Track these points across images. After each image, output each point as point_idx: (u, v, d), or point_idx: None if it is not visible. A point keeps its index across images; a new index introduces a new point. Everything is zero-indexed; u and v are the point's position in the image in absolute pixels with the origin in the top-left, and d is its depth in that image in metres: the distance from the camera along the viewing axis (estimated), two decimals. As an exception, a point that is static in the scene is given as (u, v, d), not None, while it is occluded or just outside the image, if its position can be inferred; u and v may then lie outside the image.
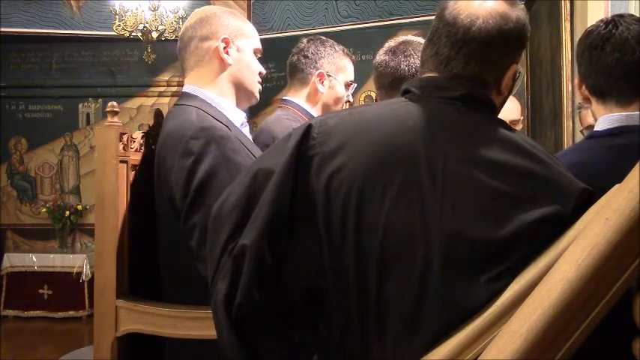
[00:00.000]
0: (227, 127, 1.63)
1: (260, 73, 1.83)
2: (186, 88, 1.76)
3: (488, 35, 1.14)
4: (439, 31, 1.18)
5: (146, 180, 1.72)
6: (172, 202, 1.56)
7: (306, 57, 2.29)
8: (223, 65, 1.75)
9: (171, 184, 1.56)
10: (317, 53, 2.28)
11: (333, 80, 2.28)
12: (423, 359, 1.01)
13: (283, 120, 2.20)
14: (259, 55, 1.85)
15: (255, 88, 1.82)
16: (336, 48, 2.32)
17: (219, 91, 1.74)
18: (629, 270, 0.85)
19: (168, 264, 1.68)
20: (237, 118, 1.75)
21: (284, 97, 2.36)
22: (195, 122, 1.59)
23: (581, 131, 2.61)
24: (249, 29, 1.81)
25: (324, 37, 2.39)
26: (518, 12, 1.17)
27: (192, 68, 1.77)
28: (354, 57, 2.41)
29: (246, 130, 1.79)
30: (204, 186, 1.50)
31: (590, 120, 2.47)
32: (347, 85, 2.33)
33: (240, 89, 1.78)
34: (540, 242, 1.01)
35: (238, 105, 1.79)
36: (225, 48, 1.74)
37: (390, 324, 1.06)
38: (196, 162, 1.52)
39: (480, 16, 1.14)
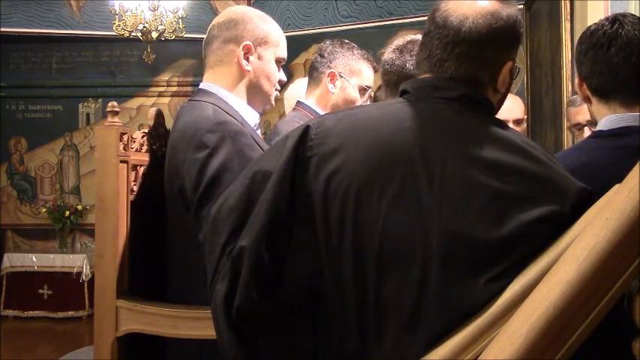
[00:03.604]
0: (241, 124, 1.64)
1: (280, 81, 1.83)
2: (202, 85, 1.77)
3: (479, 35, 1.14)
4: (431, 34, 1.18)
5: (153, 179, 1.72)
6: (183, 194, 1.57)
7: (322, 56, 2.28)
8: (241, 71, 1.75)
9: (183, 175, 1.56)
10: (332, 53, 2.26)
11: (344, 81, 2.24)
12: (422, 359, 1.01)
13: (293, 122, 2.18)
14: (283, 63, 1.84)
15: (271, 95, 1.82)
16: (355, 51, 2.28)
17: (234, 92, 1.75)
18: (629, 270, 0.85)
19: (175, 261, 1.68)
20: (252, 118, 1.75)
21: (298, 100, 2.36)
22: (211, 117, 1.60)
23: (569, 128, 2.59)
24: (276, 37, 1.80)
25: (347, 40, 2.34)
26: (510, 9, 1.17)
27: (212, 67, 1.77)
28: (375, 64, 2.32)
29: (258, 132, 1.79)
30: (217, 179, 1.50)
31: (579, 118, 2.46)
32: (361, 90, 2.27)
33: (255, 95, 1.78)
34: (539, 242, 1.01)
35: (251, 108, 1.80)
36: (246, 54, 1.74)
37: (389, 325, 1.06)
38: (210, 155, 1.53)
39: (469, 17, 1.14)
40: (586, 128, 2.41)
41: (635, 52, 1.34)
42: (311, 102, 2.30)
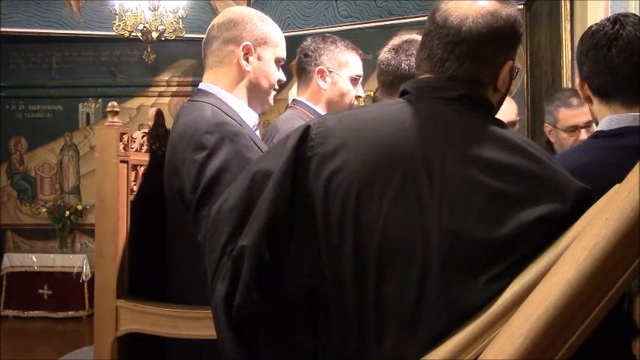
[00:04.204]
0: (240, 125, 1.64)
1: (279, 81, 1.83)
2: (202, 85, 1.77)
3: (479, 34, 1.14)
4: (431, 34, 1.18)
5: (153, 179, 1.72)
6: (182, 195, 1.57)
7: (307, 55, 2.28)
8: (241, 71, 1.75)
9: (182, 176, 1.57)
10: (317, 50, 2.26)
11: (335, 76, 2.24)
12: (422, 359, 1.01)
13: (292, 120, 2.19)
14: (282, 63, 1.84)
15: (270, 96, 1.82)
16: (338, 44, 2.28)
17: (234, 93, 1.75)
18: (629, 270, 0.85)
19: (175, 261, 1.68)
20: (251, 119, 1.75)
21: (294, 98, 2.36)
22: (210, 118, 1.60)
23: (551, 132, 2.52)
24: (275, 37, 1.81)
25: (328, 34, 2.36)
26: (509, 9, 1.17)
27: (212, 67, 1.77)
28: (361, 51, 2.35)
29: (257, 133, 1.79)
30: (216, 180, 1.51)
31: (575, 120, 2.41)
32: (353, 80, 2.28)
33: (254, 95, 1.78)
34: (539, 242, 1.01)
35: (250, 108, 1.80)
36: (246, 55, 1.74)
37: (389, 325, 1.06)
38: (209, 156, 1.53)
39: (469, 16, 1.14)
40: (583, 130, 2.38)
41: (635, 53, 1.34)
42: (305, 99, 2.29)
